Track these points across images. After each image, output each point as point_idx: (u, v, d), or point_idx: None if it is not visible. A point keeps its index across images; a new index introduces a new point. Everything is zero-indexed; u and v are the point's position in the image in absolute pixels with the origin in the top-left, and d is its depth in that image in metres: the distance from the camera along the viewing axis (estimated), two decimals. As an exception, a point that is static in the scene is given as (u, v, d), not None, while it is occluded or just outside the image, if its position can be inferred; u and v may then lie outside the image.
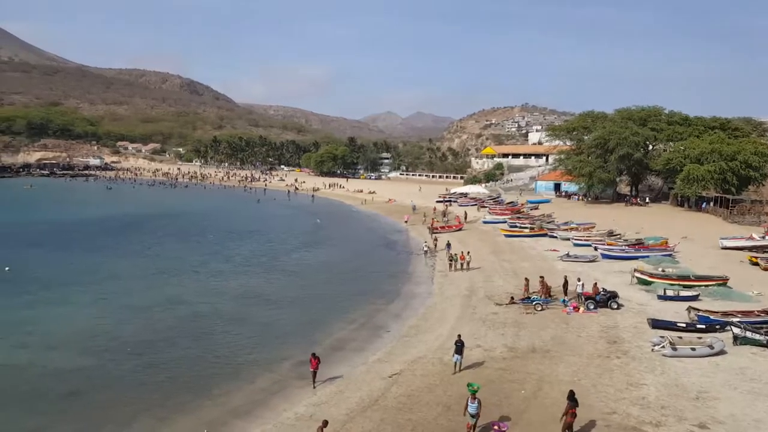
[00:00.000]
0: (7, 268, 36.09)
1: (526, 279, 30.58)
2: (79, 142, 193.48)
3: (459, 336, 20.67)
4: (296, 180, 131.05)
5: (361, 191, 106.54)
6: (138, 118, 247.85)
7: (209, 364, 22.53)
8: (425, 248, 46.64)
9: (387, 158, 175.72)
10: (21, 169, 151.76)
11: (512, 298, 29.30)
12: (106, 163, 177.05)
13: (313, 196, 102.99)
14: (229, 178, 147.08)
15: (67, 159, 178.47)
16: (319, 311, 30.39)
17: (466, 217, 62.17)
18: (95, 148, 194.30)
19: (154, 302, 31.10)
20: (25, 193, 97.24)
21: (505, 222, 57.78)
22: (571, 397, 15.27)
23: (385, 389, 19.08)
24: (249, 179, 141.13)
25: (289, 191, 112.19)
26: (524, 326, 25.26)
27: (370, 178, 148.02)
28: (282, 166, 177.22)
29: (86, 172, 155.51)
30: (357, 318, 29.03)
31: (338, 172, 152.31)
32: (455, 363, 19.99)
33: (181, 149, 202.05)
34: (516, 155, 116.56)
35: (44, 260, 41.54)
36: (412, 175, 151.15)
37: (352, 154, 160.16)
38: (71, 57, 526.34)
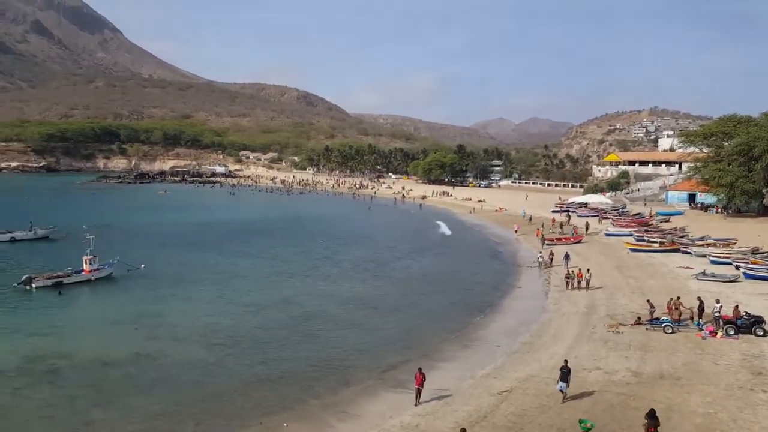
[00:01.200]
0: (143, 266, 40.31)
1: (648, 301, 28.15)
2: (207, 151, 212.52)
3: (566, 362, 19.21)
4: (403, 188, 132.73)
5: (470, 199, 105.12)
6: (259, 129, 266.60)
7: (317, 364, 23.34)
8: (539, 260, 44.72)
9: (498, 165, 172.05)
10: (157, 176, 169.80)
11: (639, 318, 27.02)
12: (229, 171, 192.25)
13: (420, 204, 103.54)
14: (339, 185, 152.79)
15: (197, 167, 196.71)
16: (423, 321, 30.36)
17: (587, 229, 58.85)
18: (221, 156, 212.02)
19: (269, 302, 33.02)
20: (160, 198, 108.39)
21: (631, 235, 53.68)
22: (652, 415, 14.68)
23: (495, 406, 18.42)
24: (358, 186, 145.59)
25: (395, 198, 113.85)
26: (651, 349, 23.15)
27: (479, 186, 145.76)
28: (390, 174, 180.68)
29: (212, 179, 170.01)
30: (463, 330, 28.50)
31: (446, 179, 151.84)
32: (561, 392, 18.52)
33: (296, 158, 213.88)
34: (644, 163, 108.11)
35: (174, 259, 45.89)
36: (525, 183, 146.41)
37: (460, 162, 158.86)
38: (202, 73, 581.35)
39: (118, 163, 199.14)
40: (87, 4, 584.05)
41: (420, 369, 19.36)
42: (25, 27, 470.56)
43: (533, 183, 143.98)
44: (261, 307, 31.98)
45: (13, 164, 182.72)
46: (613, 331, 25.78)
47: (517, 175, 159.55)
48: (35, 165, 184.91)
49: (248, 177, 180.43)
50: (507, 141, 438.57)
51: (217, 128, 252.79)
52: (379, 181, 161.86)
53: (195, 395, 20.31)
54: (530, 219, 71.21)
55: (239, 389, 20.78)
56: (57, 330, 27.04)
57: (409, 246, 56.99)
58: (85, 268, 36.70)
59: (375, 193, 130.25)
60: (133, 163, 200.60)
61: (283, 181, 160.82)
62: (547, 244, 51.81)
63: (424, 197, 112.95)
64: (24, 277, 34.07)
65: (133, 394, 20.07)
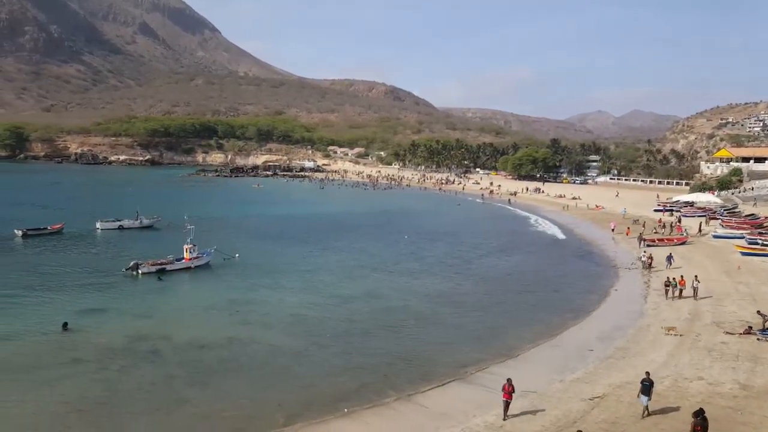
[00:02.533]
0: (237, 255, 42.89)
1: (759, 312, 25.78)
2: (297, 147, 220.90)
3: (647, 373, 17.98)
4: (491, 183, 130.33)
5: (563, 196, 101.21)
6: (346, 125, 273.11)
7: (398, 358, 23.73)
8: (639, 261, 42.27)
9: (595, 161, 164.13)
10: (250, 170, 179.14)
11: (749, 327, 24.87)
12: (317, 166, 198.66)
13: (509, 200, 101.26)
14: (425, 180, 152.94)
15: (287, 161, 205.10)
16: (508, 320, 29.85)
17: (700, 229, 54.95)
18: (310, 152, 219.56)
19: (354, 294, 33.95)
20: (253, 191, 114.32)
21: (743, 237, 49.29)
22: (700, 414, 14.41)
23: (585, 412, 17.79)
24: (444, 182, 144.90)
25: (483, 194, 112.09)
26: (764, 362, 21.25)
27: (574, 183, 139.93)
28: (477, 169, 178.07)
29: (301, 173, 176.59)
30: (551, 332, 27.66)
31: (538, 175, 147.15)
32: (644, 405, 17.36)
33: (382, 153, 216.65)
34: (760, 159, 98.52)
35: (265, 250, 48.36)
36: (625, 179, 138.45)
37: (554, 157, 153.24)
38: (294, 71, 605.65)
39: (216, 158, 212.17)
40: (189, 5, 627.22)
41: (510, 380, 18.02)
42: (134, 29, 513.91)
43: (633, 180, 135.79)
44: (345, 299, 32.95)
45: (122, 157, 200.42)
46: (672, 335, 25.05)
47: (615, 172, 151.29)
48: (140, 158, 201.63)
49: (335, 172, 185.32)
50: (606, 135, 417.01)
51: (307, 124, 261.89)
52: (466, 176, 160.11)
53: (281, 380, 21.43)
54: (640, 222, 63.40)
55: (323, 377, 21.63)
56: (159, 313, 29.51)
57: (496, 243, 56.03)
58: (185, 256, 39.67)
59: (462, 188, 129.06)
60: (229, 157, 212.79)
61: (369, 176, 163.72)
62: (647, 245, 48.83)
63: (514, 193, 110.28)
64: (131, 263, 37.40)
65: (224, 376, 21.51)
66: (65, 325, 25.85)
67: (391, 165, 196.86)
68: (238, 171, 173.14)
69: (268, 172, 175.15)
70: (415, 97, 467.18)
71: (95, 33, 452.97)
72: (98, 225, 55.67)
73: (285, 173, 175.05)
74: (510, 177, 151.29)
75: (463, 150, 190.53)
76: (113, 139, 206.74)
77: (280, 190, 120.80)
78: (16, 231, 49.91)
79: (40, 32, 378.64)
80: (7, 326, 25.89)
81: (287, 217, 73.06)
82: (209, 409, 18.83)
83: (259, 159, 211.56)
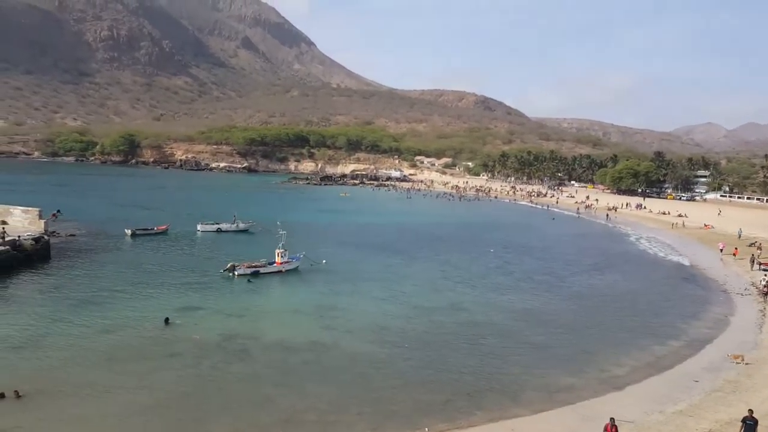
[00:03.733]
0: (324, 261, 44.09)
1: None
2: (384, 156, 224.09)
3: (750, 411, 16.17)
4: (587, 197, 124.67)
5: (667, 213, 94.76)
6: (434, 135, 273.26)
7: (483, 375, 23.18)
8: (754, 287, 38.56)
9: (704, 176, 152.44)
10: (339, 178, 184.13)
11: None
12: (404, 175, 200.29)
13: (608, 215, 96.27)
14: (515, 192, 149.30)
15: (374, 170, 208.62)
16: (602, 343, 28.28)
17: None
18: (396, 161, 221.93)
19: (437, 306, 33.71)
20: (341, 199, 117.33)
21: None
22: (748, 419, 14.06)
23: (687, 449, 16.41)
24: (535, 194, 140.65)
25: (578, 209, 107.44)
26: None
27: (679, 199, 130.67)
28: (572, 182, 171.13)
29: (388, 182, 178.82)
30: (651, 359, 25.88)
31: (639, 190, 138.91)
32: None
33: (470, 163, 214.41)
34: None
35: (351, 257, 49.32)
36: (738, 197, 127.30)
37: (657, 171, 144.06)
38: (384, 81, 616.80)
39: (307, 166, 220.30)
40: (288, 20, 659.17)
41: (613, 420, 16.75)
42: (237, 43, 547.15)
43: (748, 198, 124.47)
44: (429, 310, 32.78)
45: (222, 164, 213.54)
46: (737, 362, 23.45)
47: (727, 188, 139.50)
48: (238, 166, 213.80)
49: (421, 182, 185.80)
50: (716, 149, 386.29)
51: (395, 134, 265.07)
52: (560, 189, 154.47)
53: (362, 388, 21.64)
54: (756, 244, 56.76)
55: (404, 388, 21.57)
56: (250, 314, 30.93)
57: (592, 261, 53.42)
58: (277, 260, 41.42)
59: (556, 202, 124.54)
60: (319, 166, 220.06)
61: (455, 187, 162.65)
62: (762, 269, 44.49)
63: (613, 208, 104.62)
64: (228, 265, 39.66)
65: (308, 379, 22.08)
66: (167, 320, 27.84)
67: (479, 176, 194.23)
68: (327, 179, 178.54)
69: (355, 181, 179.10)
70: (506, 107, 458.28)
71: (202, 47, 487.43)
72: (199, 227, 59.48)
73: (371, 182, 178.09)
74: (608, 191, 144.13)
75: (557, 161, 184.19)
76: (214, 147, 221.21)
77: (366, 198, 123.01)
78: (126, 230, 54.45)
79: (154, 47, 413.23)
80: (117, 318, 28.30)
81: (372, 225, 74.14)
82: (292, 411, 19.38)
83: (348, 168, 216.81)
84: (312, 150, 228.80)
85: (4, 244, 37.49)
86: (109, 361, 22.98)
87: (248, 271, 39.36)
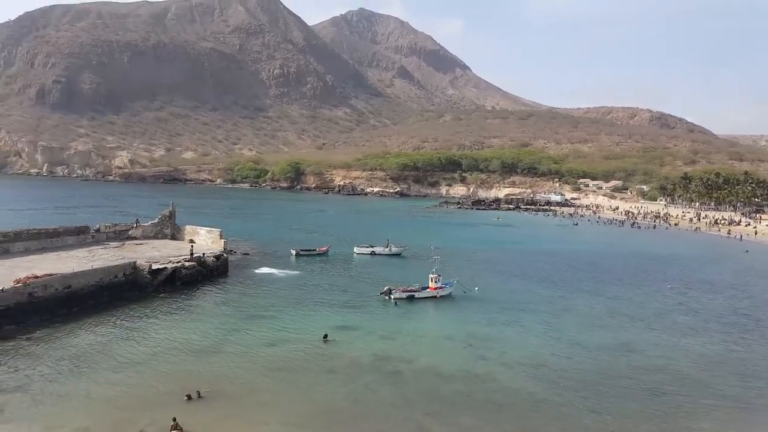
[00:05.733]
0: (476, 288, 43.61)
1: None
2: (543, 179, 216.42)
3: None
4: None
5: None
6: (601, 155, 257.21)
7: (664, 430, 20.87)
8: None
9: None
10: (492, 203, 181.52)
11: None
12: (565, 200, 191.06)
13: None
14: (699, 219, 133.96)
15: (531, 194, 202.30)
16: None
17: None
18: (557, 185, 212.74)
19: (604, 344, 31.33)
20: (494, 225, 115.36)
21: None
22: None
23: None
24: (725, 222, 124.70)
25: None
26: None
27: None
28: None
29: (546, 207, 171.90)
30: None
31: None
32: None
33: (644, 186, 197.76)
34: None
35: (505, 285, 48.09)
36: None
37: None
38: (544, 101, 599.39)
39: (458, 190, 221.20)
40: (443, 47, 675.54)
41: None
42: (393, 73, 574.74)
43: None
44: (594, 348, 30.56)
45: (376, 189, 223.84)
46: None
47: None
48: (391, 190, 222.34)
49: (586, 206, 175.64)
50: None
51: (555, 155, 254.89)
52: (757, 217, 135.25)
53: (518, 428, 20.82)
54: None
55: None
56: (403, 337, 31.67)
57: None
58: (431, 285, 42.03)
59: (755, 232, 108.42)
60: (471, 190, 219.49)
61: (627, 212, 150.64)
62: None
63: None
64: (385, 288, 41.39)
65: (460, 411, 21.85)
66: (325, 336, 29.72)
67: (656, 200, 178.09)
68: (479, 203, 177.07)
69: (510, 205, 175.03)
70: (688, 124, 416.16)
71: (361, 79, 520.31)
72: (355, 249, 62.98)
73: (528, 206, 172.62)
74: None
75: (753, 185, 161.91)
76: (370, 172, 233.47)
77: (522, 223, 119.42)
78: (291, 251, 59.73)
79: (318, 81, 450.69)
80: (283, 331, 31.11)
81: (529, 252, 71.58)
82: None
83: (501, 192, 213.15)
84: (464, 174, 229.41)
85: (192, 260, 43.25)
86: (275, 371, 25.23)
87: (404, 295, 40.53)
